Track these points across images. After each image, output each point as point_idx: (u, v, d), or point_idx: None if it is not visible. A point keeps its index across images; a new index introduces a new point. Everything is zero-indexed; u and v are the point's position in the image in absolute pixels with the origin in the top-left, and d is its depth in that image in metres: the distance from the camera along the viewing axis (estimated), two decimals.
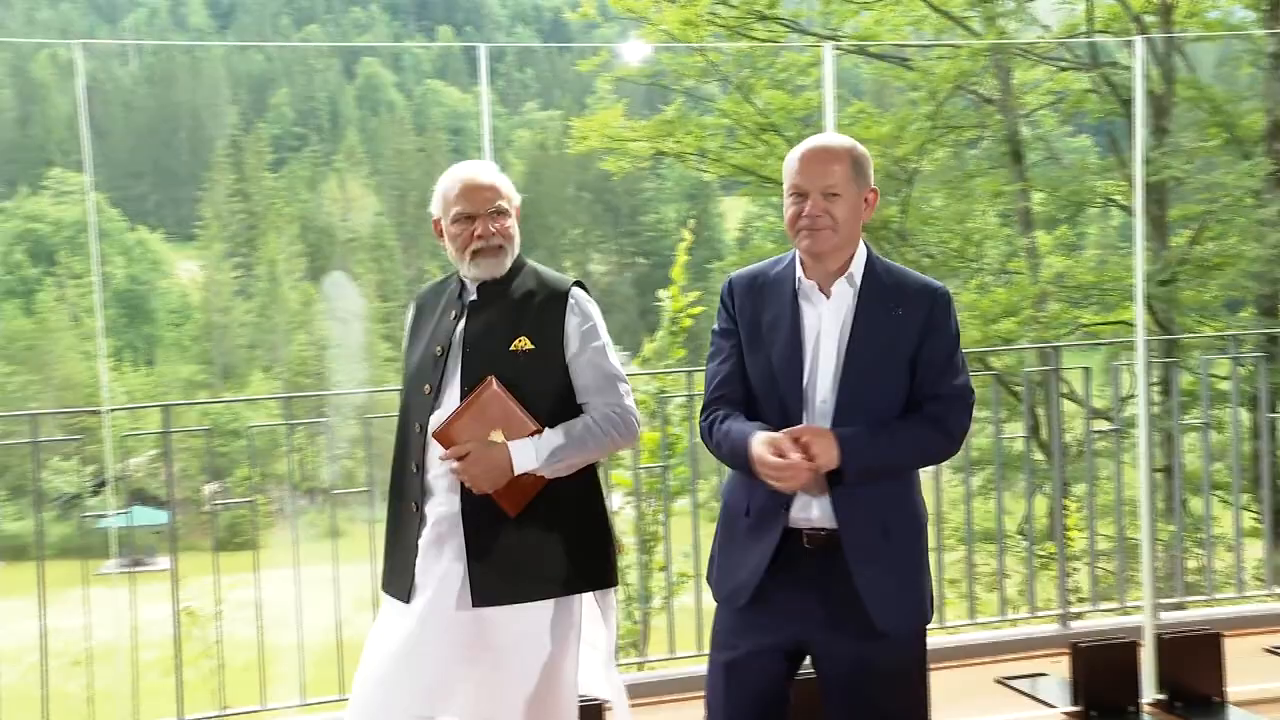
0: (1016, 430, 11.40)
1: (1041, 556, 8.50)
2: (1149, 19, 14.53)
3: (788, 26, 16.44)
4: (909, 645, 2.98)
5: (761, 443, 2.80)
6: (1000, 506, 6.26)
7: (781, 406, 2.90)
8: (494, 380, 3.11)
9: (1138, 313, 5.06)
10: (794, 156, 2.95)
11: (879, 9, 15.93)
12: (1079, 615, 6.23)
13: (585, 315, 3.24)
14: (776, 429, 2.83)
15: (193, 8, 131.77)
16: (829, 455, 2.77)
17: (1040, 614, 6.17)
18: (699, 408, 3.14)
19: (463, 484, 3.11)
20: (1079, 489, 9.92)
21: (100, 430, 4.74)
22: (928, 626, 3.02)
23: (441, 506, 3.18)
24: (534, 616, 3.14)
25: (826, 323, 2.92)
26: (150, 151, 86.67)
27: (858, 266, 2.95)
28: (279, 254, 62.27)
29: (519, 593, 3.12)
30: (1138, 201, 5.07)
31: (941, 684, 5.12)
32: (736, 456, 2.90)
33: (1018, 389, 12.24)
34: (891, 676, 2.94)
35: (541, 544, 3.15)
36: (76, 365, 54.63)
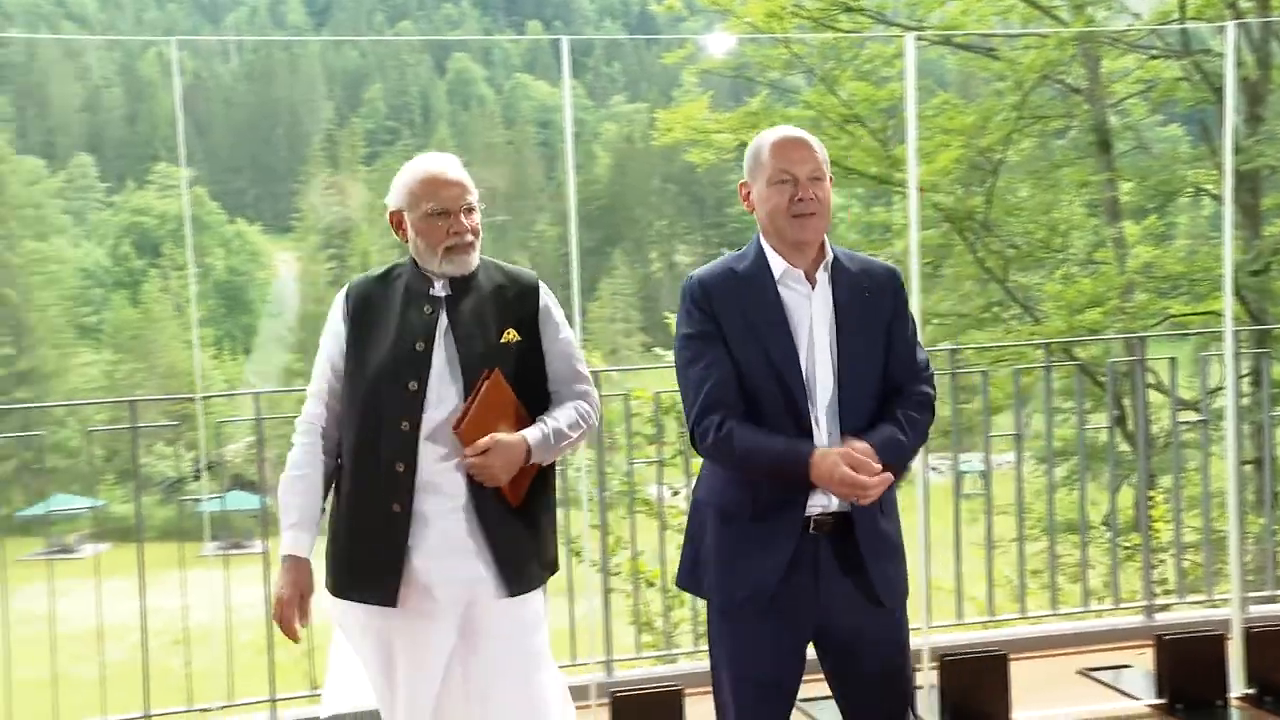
0: (1101, 421, 11.26)
1: (1126, 548, 8.35)
2: (1245, 4, 14.13)
3: (872, 18, 16.28)
4: (900, 616, 3.12)
5: (837, 456, 2.79)
6: (1084, 497, 6.16)
7: (788, 398, 2.91)
8: (497, 372, 3.10)
9: (1226, 302, 4.94)
10: (768, 144, 2.98)
11: None
12: (1165, 607, 6.11)
13: (555, 307, 3.30)
14: (785, 418, 2.90)
15: (291, 6, 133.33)
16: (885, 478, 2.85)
17: (1125, 605, 6.07)
18: None
19: (469, 479, 3.06)
20: (1166, 481, 9.75)
21: (200, 417, 4.81)
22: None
23: (444, 504, 3.09)
24: (534, 603, 3.19)
25: (817, 311, 2.95)
26: (249, 146, 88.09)
27: (828, 254, 3.00)
28: (371, 245, 62.87)
29: (534, 580, 3.18)
30: (1226, 190, 4.97)
31: (1024, 674, 5.06)
32: (777, 463, 2.87)
33: (1103, 379, 12.05)
34: (890, 645, 3.07)
35: (534, 531, 3.19)
36: (180, 354, 55.64)
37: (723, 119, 16.12)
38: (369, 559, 3.11)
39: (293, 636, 3.13)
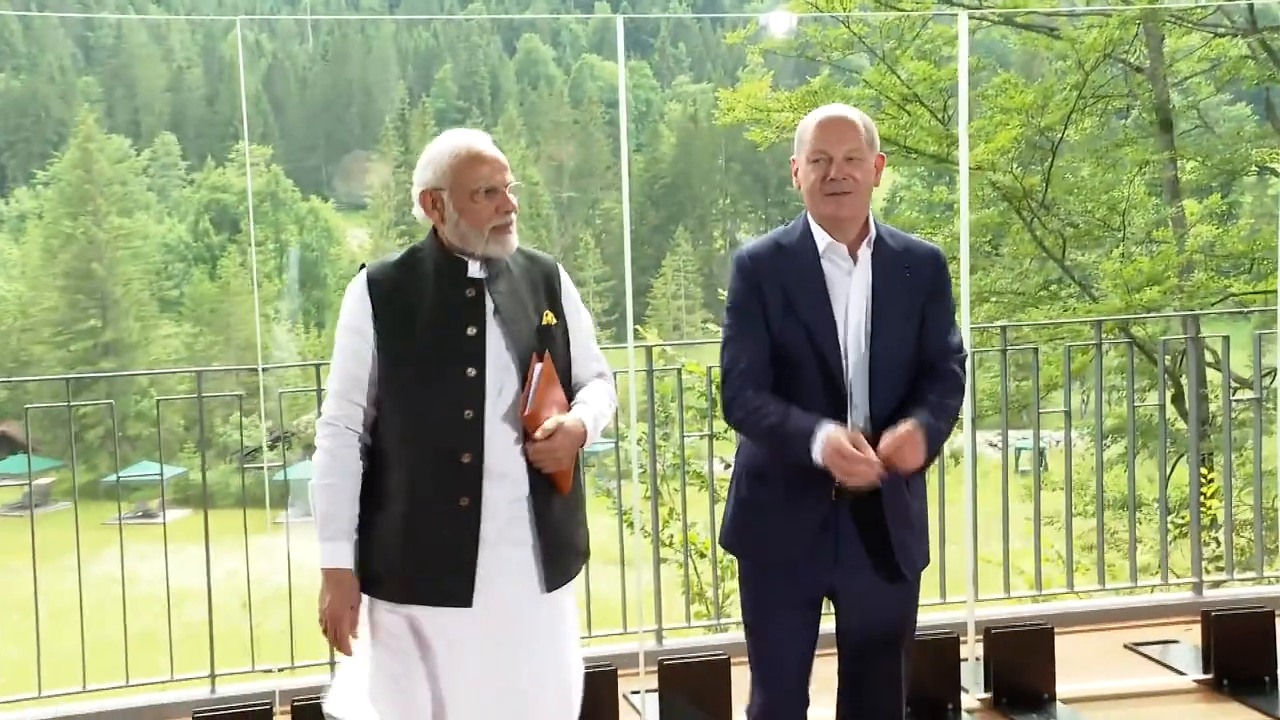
0: (1156, 399, 11.08)
1: (1177, 525, 8.24)
2: None
3: None
4: (913, 586, 3.13)
5: (841, 436, 2.84)
6: (1132, 474, 6.09)
7: (823, 365, 2.95)
8: (547, 355, 2.98)
9: None
10: (811, 123, 3.01)
11: None
12: (1215, 584, 6.04)
13: (573, 287, 3.17)
14: (820, 388, 2.94)
15: None
16: (917, 457, 2.87)
17: (1174, 582, 6.00)
18: None
19: (529, 467, 2.92)
20: (1220, 459, 9.63)
21: (273, 389, 4.86)
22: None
23: (508, 493, 2.91)
24: (571, 591, 3.11)
25: (855, 286, 2.97)
26: (324, 125, 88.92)
27: (871, 231, 3.01)
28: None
29: (574, 571, 3.07)
30: None
31: (1071, 648, 5.03)
32: (789, 440, 2.91)
33: (1165, 358, 11.90)
34: (895, 614, 3.08)
35: (576, 518, 3.11)
36: (255, 327, 56.06)
37: (783, 98, 15.99)
38: (437, 559, 2.88)
39: (347, 650, 2.95)
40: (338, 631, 2.93)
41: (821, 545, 2.98)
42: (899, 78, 15.51)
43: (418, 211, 3.01)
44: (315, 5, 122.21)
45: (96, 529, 5.27)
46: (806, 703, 3.14)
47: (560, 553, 2.99)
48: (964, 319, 4.92)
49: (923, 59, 15.49)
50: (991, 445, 5.70)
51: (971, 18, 14.67)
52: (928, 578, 5.44)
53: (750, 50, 17.60)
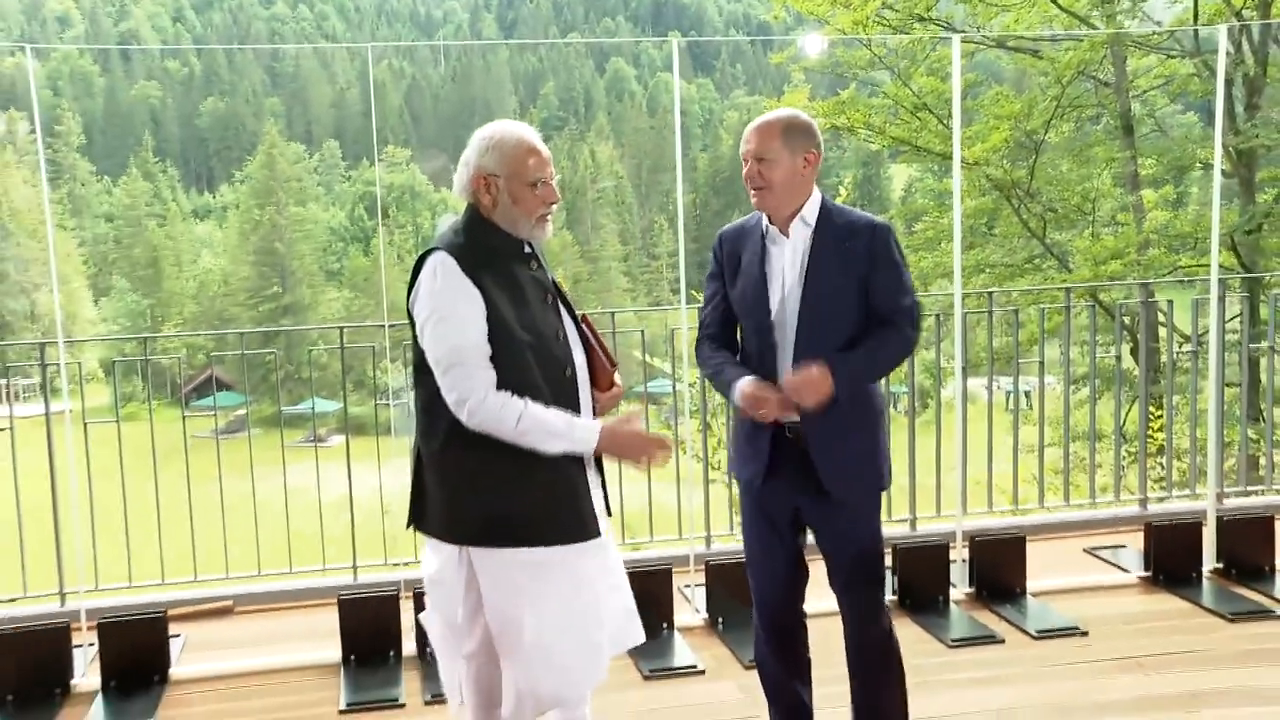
0: (1123, 352, 10.90)
1: (1130, 453, 8.09)
2: (1249, 12, 13.44)
3: (940, 25, 15.84)
4: (864, 510, 2.96)
5: (749, 384, 2.83)
6: (1093, 412, 5.97)
7: (758, 326, 2.90)
8: (587, 316, 2.82)
9: (1213, 254, 4.72)
10: (745, 129, 2.93)
11: (1016, 10, 15.20)
12: (1158, 500, 5.92)
13: None
14: (756, 340, 2.89)
15: (485, 21, 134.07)
16: (813, 395, 2.74)
17: (1125, 499, 5.89)
18: None
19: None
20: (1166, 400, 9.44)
21: (386, 341, 4.89)
22: (883, 491, 2.99)
23: None
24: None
25: (788, 257, 2.88)
26: (452, 132, 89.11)
27: (810, 212, 2.89)
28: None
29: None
30: (1216, 161, 4.73)
31: (1040, 553, 4.96)
32: (722, 387, 2.95)
33: (1124, 318, 11.69)
34: (849, 525, 2.94)
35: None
36: (401, 292, 56.48)
37: (818, 106, 15.81)
38: (570, 498, 2.61)
39: (665, 445, 2.68)
40: (652, 447, 2.65)
41: (777, 471, 2.91)
42: (911, 90, 15.33)
43: (460, 191, 2.67)
44: (446, 34, 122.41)
45: (275, 449, 5.33)
46: (794, 600, 3.06)
47: (606, 491, 2.80)
48: (956, 286, 4.82)
49: (931, 75, 15.36)
50: (986, 389, 5.65)
51: (966, 41, 14.51)
52: (925, 496, 5.43)
53: (792, 68, 17.43)
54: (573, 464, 2.62)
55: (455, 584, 2.66)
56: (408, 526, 2.71)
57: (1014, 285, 14.87)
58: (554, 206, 2.69)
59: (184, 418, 5.09)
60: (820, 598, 3.13)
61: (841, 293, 2.83)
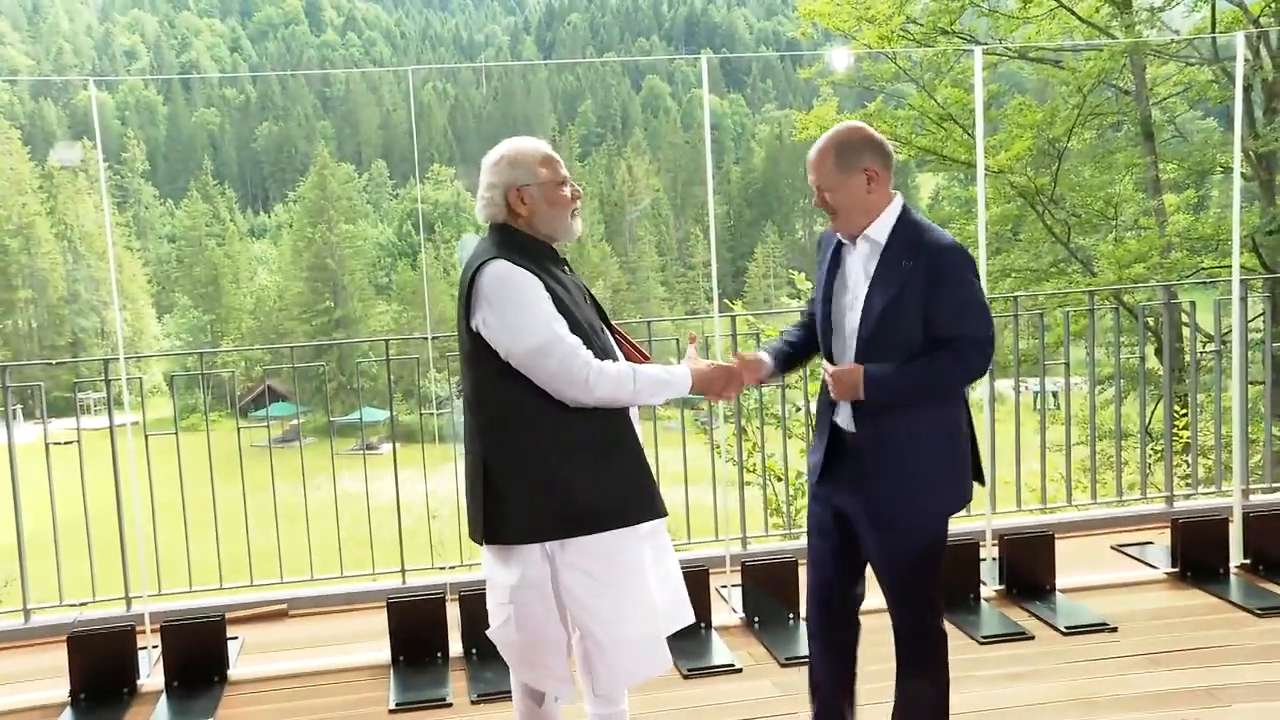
0: (1148, 352, 10.73)
1: (1156, 451, 7.96)
2: (1266, 20, 13.24)
3: (963, 38, 15.73)
4: (915, 536, 2.76)
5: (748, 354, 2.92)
6: (1119, 411, 5.87)
7: (824, 331, 2.86)
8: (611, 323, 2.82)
9: (1234, 256, 4.62)
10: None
11: (1037, 22, 15.07)
12: (1184, 498, 5.81)
13: None
14: (823, 349, 2.87)
15: (525, 44, 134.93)
16: (842, 391, 2.72)
17: (1151, 496, 5.79)
18: None
19: None
20: (1200, 398, 9.26)
21: (430, 353, 4.90)
22: (952, 514, 2.80)
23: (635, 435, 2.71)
24: None
25: (855, 271, 2.79)
26: None
27: (879, 229, 2.74)
28: (584, 220, 63.41)
29: None
30: (1236, 165, 4.63)
31: (1069, 549, 4.90)
32: None
33: (1148, 319, 11.52)
34: (899, 556, 2.77)
35: None
36: (448, 305, 57.04)
37: (845, 118, 15.73)
38: (641, 481, 2.63)
39: (740, 377, 2.79)
40: (733, 387, 2.76)
41: (830, 471, 2.85)
42: (936, 101, 15.26)
43: (490, 215, 2.69)
44: (488, 56, 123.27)
45: (327, 457, 5.37)
46: (844, 600, 2.94)
47: None
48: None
49: (955, 86, 15.25)
50: (1014, 390, 5.61)
51: (988, 53, 14.40)
52: None
53: (820, 82, 17.36)
54: (641, 448, 2.66)
55: (543, 584, 2.60)
56: (482, 541, 2.66)
57: (1040, 289, 14.73)
58: (579, 202, 2.73)
59: (239, 429, 5.13)
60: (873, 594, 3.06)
61: (898, 312, 2.67)
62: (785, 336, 3.03)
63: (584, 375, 2.49)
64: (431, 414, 5.57)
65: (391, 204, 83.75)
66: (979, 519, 5.16)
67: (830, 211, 2.78)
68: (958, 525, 5.36)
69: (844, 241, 2.83)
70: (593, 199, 70.82)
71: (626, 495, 2.59)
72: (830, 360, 2.85)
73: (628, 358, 2.72)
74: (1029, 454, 5.75)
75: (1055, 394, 5.80)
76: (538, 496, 2.55)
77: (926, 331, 2.68)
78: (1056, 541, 4.61)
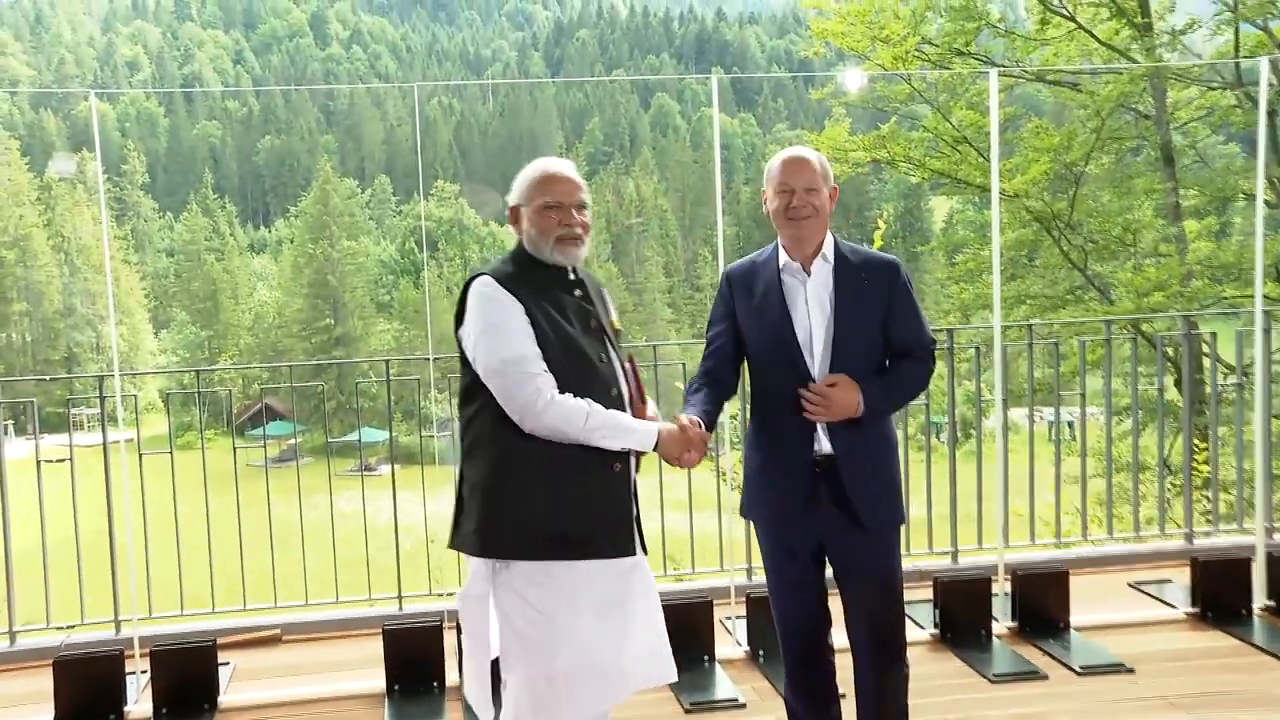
0: (1168, 384, 10.67)
1: (1175, 486, 7.92)
2: None
3: (979, 60, 15.78)
4: (889, 538, 2.97)
5: (684, 417, 2.80)
6: (1136, 443, 5.86)
7: (790, 360, 2.88)
8: (633, 356, 2.83)
9: (1257, 284, 4.61)
10: (777, 163, 2.94)
11: (1055, 44, 15.10)
12: (1204, 535, 5.77)
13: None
14: (790, 380, 2.86)
15: (533, 60, 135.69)
16: (849, 403, 2.81)
17: (1170, 532, 5.75)
18: None
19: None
20: (1221, 431, 9.22)
21: (432, 374, 4.89)
22: (901, 524, 3.00)
23: (626, 466, 2.71)
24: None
25: (811, 293, 2.90)
26: (500, 167, 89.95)
27: (829, 249, 2.94)
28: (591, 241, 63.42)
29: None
30: (1259, 192, 4.63)
31: (1083, 586, 4.86)
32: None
33: (1167, 349, 11.47)
34: (876, 560, 2.94)
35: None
36: (450, 325, 56.92)
37: (858, 140, 15.79)
38: (600, 516, 2.63)
39: (702, 450, 2.76)
40: (689, 458, 2.74)
41: (804, 504, 2.89)
42: (951, 124, 15.26)
43: (510, 227, 2.82)
44: (495, 72, 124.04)
45: (324, 478, 5.37)
46: (820, 634, 3.04)
47: (640, 524, 2.79)
48: (996, 317, 4.76)
49: (970, 108, 15.26)
50: (1028, 419, 5.59)
51: (1004, 75, 14.43)
52: (967, 528, 5.34)
53: (833, 103, 17.43)
54: (614, 484, 2.65)
55: (484, 600, 2.66)
56: (449, 545, 2.76)
57: (1055, 317, 14.69)
58: (573, 229, 2.71)
59: (235, 448, 5.13)
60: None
61: (867, 328, 2.88)
62: (702, 399, 2.94)
63: (533, 401, 2.55)
64: (432, 435, 5.56)
65: (394, 220, 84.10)
66: (991, 553, 5.14)
67: (807, 216, 2.88)
68: (968, 558, 5.35)
69: (787, 267, 2.92)
70: (600, 218, 70.96)
71: (574, 528, 2.60)
72: (783, 396, 2.87)
73: (635, 400, 2.74)
74: (1043, 486, 5.72)
75: (1071, 424, 5.77)
76: (489, 513, 2.62)
77: (886, 343, 2.91)
78: (1071, 577, 4.58)
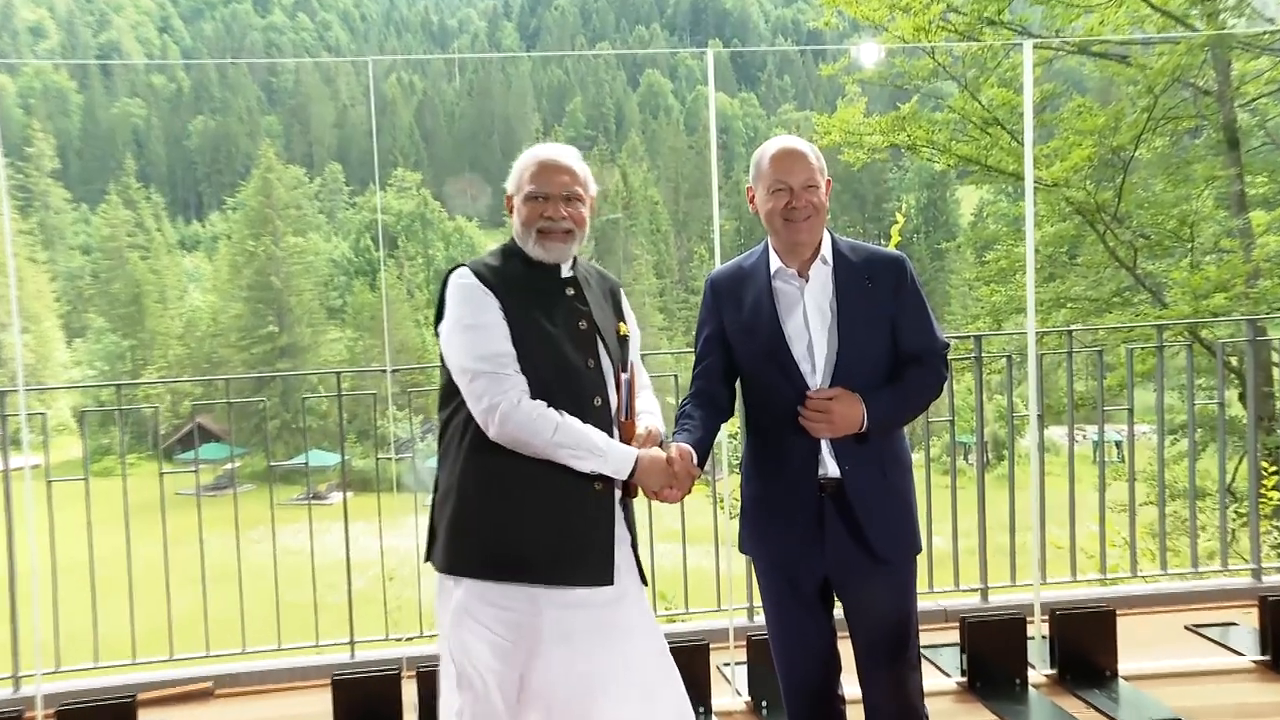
0: (1230, 398, 10.69)
1: (1240, 514, 7.95)
2: None
3: (1013, 29, 15.85)
4: (906, 571, 2.99)
5: (674, 448, 2.82)
6: (1193, 465, 5.88)
7: (787, 377, 2.89)
8: (632, 366, 2.88)
9: None
10: (768, 156, 2.95)
11: (1100, 11, 15.15)
12: (1275, 570, 5.78)
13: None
14: (789, 399, 2.85)
15: (505, 31, 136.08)
16: (851, 417, 2.81)
17: (1234, 568, 5.76)
18: None
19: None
20: None
21: (388, 389, 4.89)
22: (919, 553, 3.02)
23: (615, 484, 2.76)
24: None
25: (812, 301, 2.91)
26: (468, 153, 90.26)
27: (827, 249, 2.96)
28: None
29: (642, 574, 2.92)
30: None
31: (1133, 629, 4.87)
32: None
33: (1229, 358, 11.49)
34: (892, 594, 2.96)
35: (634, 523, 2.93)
36: (410, 332, 57.42)
37: (874, 123, 15.86)
38: (582, 540, 2.69)
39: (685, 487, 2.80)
40: (669, 494, 2.78)
41: (810, 536, 2.90)
42: (980, 103, 15.31)
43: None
44: (462, 45, 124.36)
45: (266, 508, 5.34)
46: (830, 684, 3.06)
47: (638, 553, 2.88)
48: (1030, 322, 4.79)
49: (1003, 86, 15.31)
50: (1068, 438, 5.60)
51: (1041, 47, 14.46)
52: (999, 562, 5.35)
53: (846, 80, 17.51)
54: (591, 504, 2.71)
55: (442, 615, 2.75)
56: (425, 560, 2.86)
57: (1100, 322, 14.73)
58: (557, 223, 2.78)
59: (163, 474, 5.12)
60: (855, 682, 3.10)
61: (874, 337, 2.90)
62: (695, 424, 2.97)
63: (499, 403, 2.63)
64: (390, 459, 5.56)
65: (347, 214, 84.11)
66: (1026, 590, 5.15)
67: (809, 216, 2.89)
68: (1000, 597, 5.36)
69: (780, 273, 2.93)
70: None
71: (538, 549, 2.67)
72: (784, 415, 2.88)
73: (620, 416, 2.80)
74: (1085, 514, 5.74)
75: (1118, 444, 5.79)
76: (453, 525, 2.72)
77: (895, 348, 2.92)
78: (1119, 619, 4.59)
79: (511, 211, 2.86)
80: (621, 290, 3.03)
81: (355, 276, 70.01)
